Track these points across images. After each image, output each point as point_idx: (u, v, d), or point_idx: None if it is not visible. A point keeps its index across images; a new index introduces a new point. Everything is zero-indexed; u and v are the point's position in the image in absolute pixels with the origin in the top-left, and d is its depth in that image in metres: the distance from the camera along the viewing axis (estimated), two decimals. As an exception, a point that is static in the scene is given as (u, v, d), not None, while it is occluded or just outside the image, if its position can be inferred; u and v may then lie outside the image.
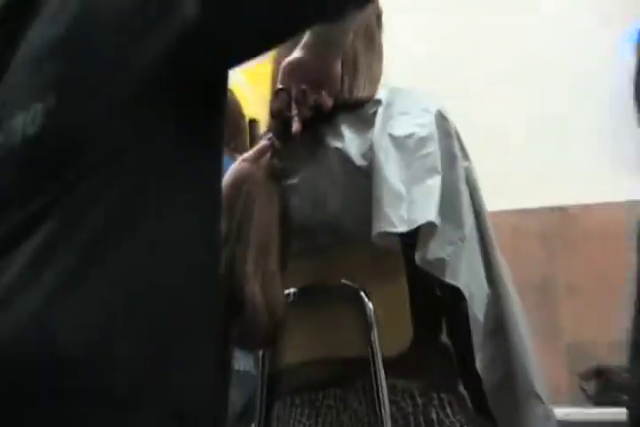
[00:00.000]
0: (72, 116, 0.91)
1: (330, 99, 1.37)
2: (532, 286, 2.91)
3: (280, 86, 1.37)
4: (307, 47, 1.33)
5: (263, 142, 1.40)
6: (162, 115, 0.93)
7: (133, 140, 0.91)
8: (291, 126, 1.38)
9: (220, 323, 0.99)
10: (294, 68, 1.35)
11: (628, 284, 1.64)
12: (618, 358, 2.74)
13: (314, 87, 1.36)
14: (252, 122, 1.53)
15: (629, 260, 1.60)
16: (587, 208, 2.97)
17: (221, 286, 1.11)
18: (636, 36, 2.41)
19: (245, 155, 1.39)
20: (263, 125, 1.68)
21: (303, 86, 1.35)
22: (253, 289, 1.16)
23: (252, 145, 1.48)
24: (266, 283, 1.19)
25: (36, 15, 1.02)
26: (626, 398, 2.54)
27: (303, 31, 1.23)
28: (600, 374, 2.68)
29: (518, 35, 3.19)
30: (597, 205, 2.95)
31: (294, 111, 1.38)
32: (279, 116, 1.40)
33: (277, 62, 1.42)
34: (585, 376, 2.71)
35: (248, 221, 1.26)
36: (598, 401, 2.63)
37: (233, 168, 1.37)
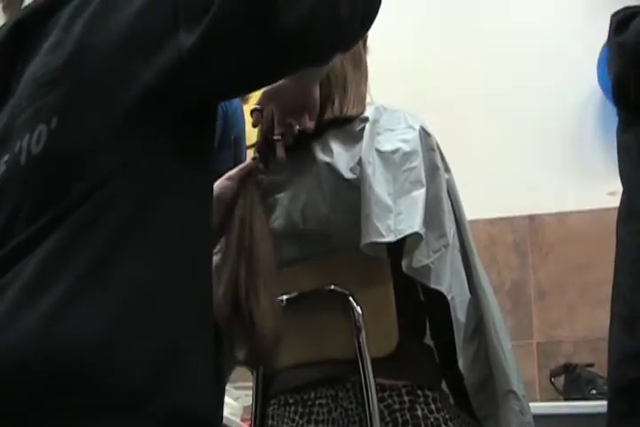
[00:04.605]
0: (73, 135, 0.92)
1: (311, 122, 1.36)
2: (506, 291, 2.90)
3: (256, 106, 1.36)
4: None
5: (248, 162, 1.39)
6: (156, 135, 0.93)
7: (131, 158, 0.91)
8: (274, 147, 1.37)
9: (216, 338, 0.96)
10: (275, 92, 1.33)
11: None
12: (583, 356, 2.74)
13: (295, 113, 1.35)
14: (236, 139, 1.53)
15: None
16: (556, 217, 2.96)
17: (223, 302, 1.09)
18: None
19: (230, 173, 1.37)
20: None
21: (289, 120, 1.35)
22: (265, 311, 1.13)
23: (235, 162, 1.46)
24: (274, 301, 1.17)
25: (38, 45, 1.02)
26: (592, 391, 2.55)
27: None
28: (568, 370, 2.67)
29: (490, 42, 3.17)
30: (566, 213, 2.95)
31: (277, 136, 1.36)
32: (262, 138, 1.39)
33: None
34: (554, 373, 2.70)
35: (249, 234, 1.23)
36: (567, 396, 2.62)
37: (218, 185, 1.34)
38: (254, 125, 1.38)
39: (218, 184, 1.33)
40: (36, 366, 0.79)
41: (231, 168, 1.39)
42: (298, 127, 1.35)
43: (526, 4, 3.22)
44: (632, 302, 1.56)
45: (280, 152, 1.36)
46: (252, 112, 1.36)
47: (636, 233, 1.61)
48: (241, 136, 1.93)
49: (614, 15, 1.75)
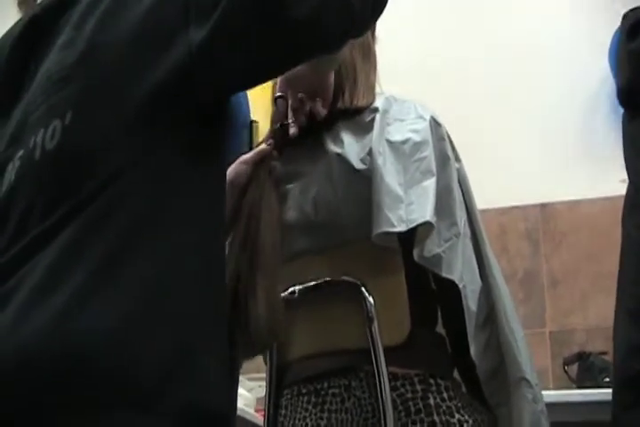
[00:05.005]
0: (87, 131, 0.92)
1: (324, 109, 1.38)
2: (519, 280, 2.90)
3: (279, 94, 1.37)
4: None
5: (263, 146, 1.39)
6: (167, 132, 0.93)
7: (142, 157, 0.91)
8: (289, 132, 1.38)
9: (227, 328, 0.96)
10: (292, 77, 1.35)
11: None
12: (596, 344, 2.74)
13: (309, 96, 1.36)
14: (252, 123, 1.53)
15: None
16: (568, 205, 2.95)
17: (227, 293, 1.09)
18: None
19: (245, 157, 1.37)
20: (261, 129, 1.67)
21: (301, 94, 1.35)
22: (261, 305, 1.10)
23: (251, 146, 1.47)
24: (272, 295, 1.14)
25: (51, 43, 1.03)
26: (605, 379, 2.54)
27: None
28: (581, 358, 2.67)
29: (502, 30, 3.16)
30: (578, 201, 2.94)
31: (291, 119, 1.38)
32: (279, 125, 1.39)
33: None
34: (568, 361, 2.69)
35: (255, 224, 1.23)
36: (580, 384, 2.62)
37: (232, 169, 1.35)
38: (280, 113, 1.39)
39: (232, 168, 1.34)
40: (40, 365, 0.79)
41: (246, 152, 1.39)
42: (309, 106, 1.36)
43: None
44: (637, 295, 1.56)
45: (293, 130, 1.37)
46: (276, 100, 1.37)
47: None
48: (250, 121, 1.92)
49: (625, 17, 1.74)
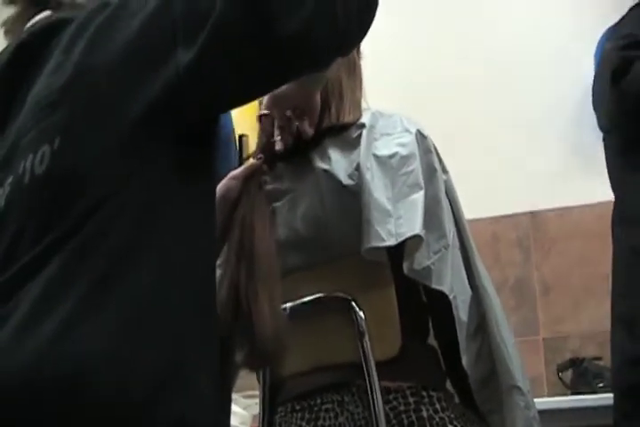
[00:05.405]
0: (75, 156, 0.93)
1: (310, 128, 1.38)
2: (510, 287, 2.90)
3: (264, 112, 1.37)
4: None
5: (253, 162, 1.39)
6: (158, 153, 0.94)
7: (133, 177, 0.92)
8: (274, 149, 1.38)
9: (221, 344, 0.97)
10: (278, 96, 1.34)
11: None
12: (590, 349, 2.75)
13: (296, 115, 1.37)
14: (242, 137, 1.52)
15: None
16: (558, 212, 2.96)
17: (225, 305, 1.10)
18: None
19: (234, 172, 1.37)
20: (251, 141, 1.66)
21: (288, 114, 1.35)
22: (264, 313, 1.09)
23: (241, 160, 1.47)
24: (274, 305, 1.14)
25: (39, 68, 1.04)
26: (600, 385, 2.55)
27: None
28: (575, 364, 2.67)
29: (488, 39, 3.17)
30: (568, 208, 2.95)
31: (277, 137, 1.38)
32: (265, 142, 1.39)
33: None
34: (562, 367, 2.70)
35: (249, 235, 1.22)
36: (575, 390, 2.62)
37: (223, 184, 1.34)
38: (265, 130, 1.39)
39: (223, 184, 1.33)
40: (39, 384, 0.80)
41: (236, 167, 1.39)
42: (297, 124, 1.36)
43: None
44: (630, 305, 1.58)
45: (279, 145, 1.36)
46: (261, 117, 1.38)
47: (631, 236, 1.64)
48: (231, 136, 1.91)
49: (607, 38, 1.78)
